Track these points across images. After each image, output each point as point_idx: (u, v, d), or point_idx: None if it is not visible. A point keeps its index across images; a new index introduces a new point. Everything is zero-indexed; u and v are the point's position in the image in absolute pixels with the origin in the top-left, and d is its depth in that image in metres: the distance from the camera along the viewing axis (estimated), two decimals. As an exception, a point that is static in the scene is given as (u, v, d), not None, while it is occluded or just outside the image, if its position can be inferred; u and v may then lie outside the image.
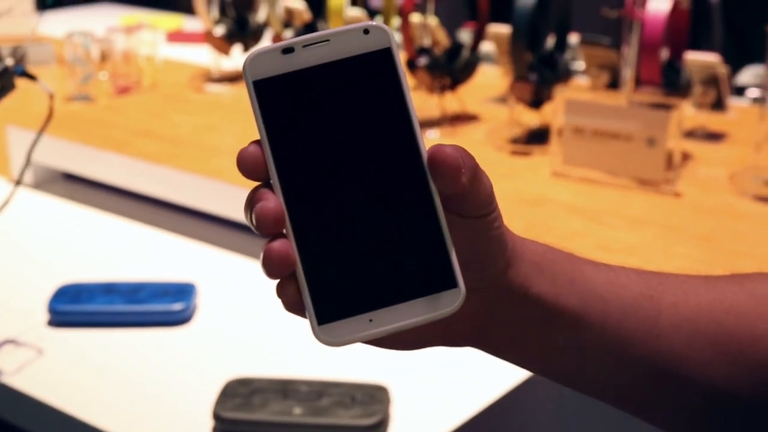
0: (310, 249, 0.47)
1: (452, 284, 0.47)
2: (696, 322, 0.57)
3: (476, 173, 0.48)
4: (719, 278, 0.60)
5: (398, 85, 0.48)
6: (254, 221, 0.47)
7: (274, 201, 0.47)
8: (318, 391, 1.03)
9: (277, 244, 0.46)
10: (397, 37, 2.01)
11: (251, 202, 0.48)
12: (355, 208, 0.47)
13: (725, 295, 0.58)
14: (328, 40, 0.48)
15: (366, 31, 0.48)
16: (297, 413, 1.00)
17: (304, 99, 0.48)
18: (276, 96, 0.48)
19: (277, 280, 0.48)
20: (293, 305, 0.48)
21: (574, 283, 0.55)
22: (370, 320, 0.47)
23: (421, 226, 0.47)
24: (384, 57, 0.48)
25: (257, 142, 0.48)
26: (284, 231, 0.47)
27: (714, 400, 0.57)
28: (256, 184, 0.49)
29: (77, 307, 1.22)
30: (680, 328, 0.57)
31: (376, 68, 0.48)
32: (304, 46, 0.48)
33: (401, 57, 0.49)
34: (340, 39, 0.48)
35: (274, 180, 0.47)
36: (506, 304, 0.54)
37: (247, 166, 0.48)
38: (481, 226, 0.50)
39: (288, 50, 0.48)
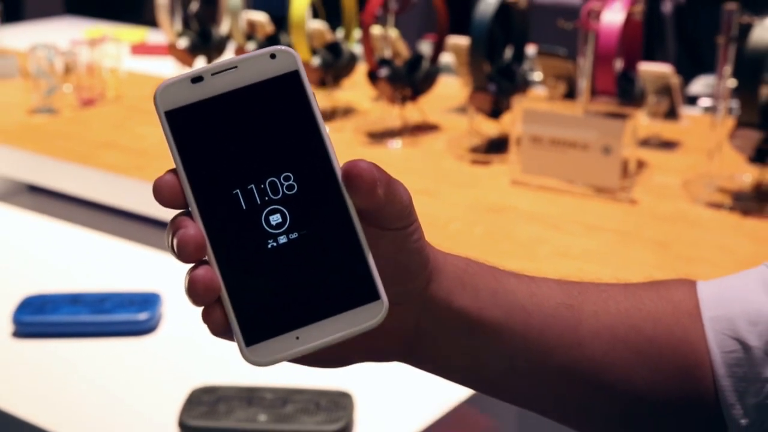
0: (233, 273, 0.47)
1: (374, 297, 0.48)
2: (616, 329, 0.58)
3: (390, 185, 0.49)
4: (638, 286, 0.62)
5: (308, 107, 0.48)
6: (175, 249, 0.47)
7: (194, 228, 0.47)
8: (282, 398, 1.04)
9: (201, 272, 0.47)
10: (358, 49, 2.04)
11: (171, 231, 0.48)
12: (274, 229, 0.48)
13: (644, 302, 0.60)
14: (236, 67, 0.48)
15: (273, 56, 0.49)
16: (262, 420, 1.01)
17: (216, 126, 0.48)
18: (188, 125, 0.48)
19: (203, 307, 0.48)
20: (220, 329, 0.48)
21: (496, 296, 0.56)
22: (297, 338, 0.47)
23: (340, 242, 0.48)
24: (292, 80, 0.49)
25: (173, 171, 0.48)
26: (206, 257, 0.47)
27: (635, 406, 0.59)
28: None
29: (42, 318, 1.22)
30: (601, 335, 0.58)
31: (285, 91, 0.49)
32: (213, 74, 0.48)
33: (308, 80, 0.49)
34: (248, 65, 0.48)
35: (193, 207, 0.48)
36: (430, 318, 0.54)
37: (163, 195, 0.48)
38: (401, 238, 0.51)
39: (197, 79, 0.48)
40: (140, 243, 1.53)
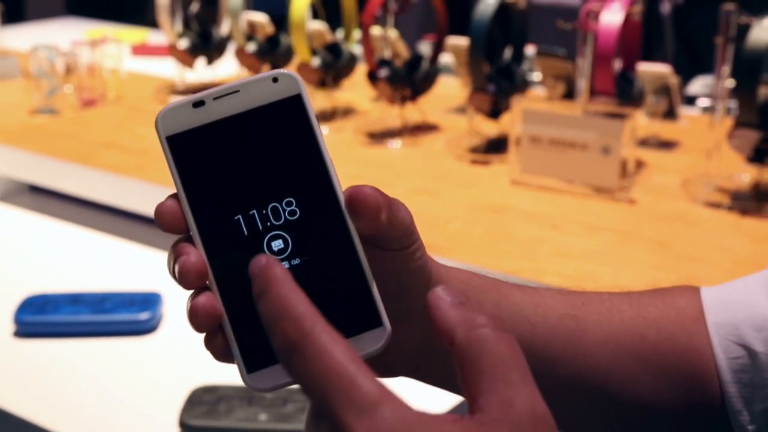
0: (235, 300, 0.47)
1: (377, 323, 0.47)
2: (621, 338, 0.59)
3: (392, 208, 0.49)
4: (641, 293, 0.62)
5: (311, 131, 0.48)
6: (177, 276, 0.47)
7: (195, 255, 0.47)
8: (283, 398, 1.05)
9: (203, 299, 0.46)
10: (358, 50, 2.04)
11: (173, 257, 0.47)
12: (276, 255, 0.47)
13: (648, 310, 0.60)
14: (238, 91, 0.48)
15: (275, 80, 0.48)
16: (262, 420, 1.02)
17: (218, 151, 0.48)
18: (190, 150, 0.48)
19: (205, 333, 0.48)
20: (222, 355, 0.48)
21: (499, 308, 0.56)
22: None
23: (342, 268, 0.47)
24: (295, 104, 0.48)
25: (174, 196, 0.48)
26: (207, 283, 0.47)
27: (642, 413, 0.59)
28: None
29: (43, 318, 1.23)
30: (605, 345, 0.58)
31: (287, 115, 0.48)
32: (215, 99, 0.48)
33: (311, 102, 0.49)
34: (250, 89, 0.48)
35: (194, 233, 0.47)
36: (434, 334, 0.53)
37: (165, 221, 0.47)
38: (403, 257, 0.51)
39: (199, 103, 0.48)
40: (140, 243, 1.54)
